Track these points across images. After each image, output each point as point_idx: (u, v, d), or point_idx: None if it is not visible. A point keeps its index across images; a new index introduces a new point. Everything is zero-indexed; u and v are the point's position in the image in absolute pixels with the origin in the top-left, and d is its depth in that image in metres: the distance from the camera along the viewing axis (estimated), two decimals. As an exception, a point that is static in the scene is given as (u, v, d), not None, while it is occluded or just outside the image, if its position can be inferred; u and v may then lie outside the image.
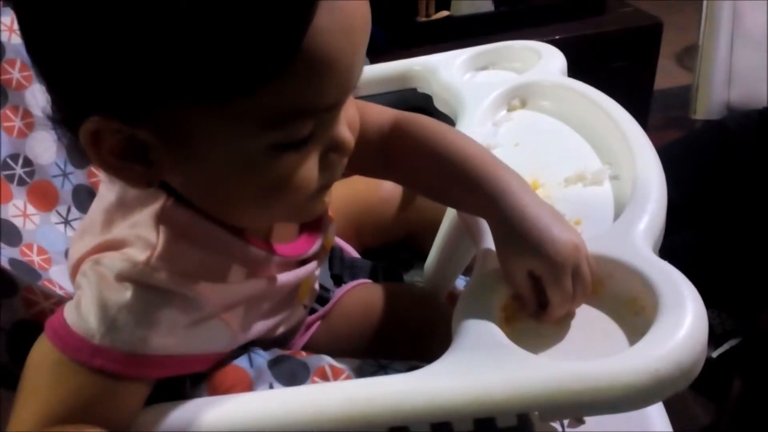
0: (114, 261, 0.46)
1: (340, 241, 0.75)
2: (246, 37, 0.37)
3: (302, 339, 0.65)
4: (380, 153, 0.59)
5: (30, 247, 0.66)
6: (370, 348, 0.64)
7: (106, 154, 0.42)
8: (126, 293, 0.45)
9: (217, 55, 0.37)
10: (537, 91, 0.76)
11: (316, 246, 0.59)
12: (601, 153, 0.67)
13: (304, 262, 0.58)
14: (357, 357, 0.58)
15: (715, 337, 1.17)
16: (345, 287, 0.70)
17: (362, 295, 0.69)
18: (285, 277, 0.55)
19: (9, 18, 0.70)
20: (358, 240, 0.78)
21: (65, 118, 0.44)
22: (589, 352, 0.48)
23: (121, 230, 0.48)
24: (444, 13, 1.64)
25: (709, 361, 1.17)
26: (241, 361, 0.51)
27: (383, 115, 0.60)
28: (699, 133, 1.30)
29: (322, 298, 0.66)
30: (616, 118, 0.68)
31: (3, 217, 0.65)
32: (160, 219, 0.47)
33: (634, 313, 0.50)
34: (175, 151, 0.43)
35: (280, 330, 0.58)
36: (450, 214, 0.68)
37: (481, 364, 0.46)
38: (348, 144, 0.47)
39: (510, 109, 0.76)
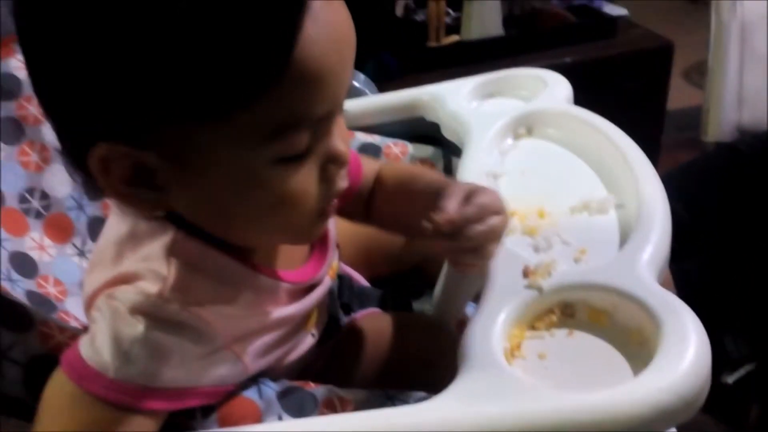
0: (127, 294, 0.47)
1: (349, 270, 0.75)
2: (237, 55, 0.39)
3: (313, 368, 0.66)
4: (365, 202, 0.64)
5: (46, 278, 0.67)
6: (379, 377, 0.65)
7: (116, 182, 0.44)
8: (139, 326, 0.46)
9: (211, 73, 0.39)
10: (543, 119, 0.77)
11: (323, 271, 0.60)
12: (606, 181, 0.68)
13: (311, 289, 0.59)
14: (366, 385, 0.59)
15: (731, 362, 1.16)
16: (354, 316, 0.70)
17: (371, 324, 0.70)
18: (294, 308, 0.56)
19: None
20: (368, 269, 0.79)
21: (73, 148, 0.45)
22: (594, 383, 0.48)
23: (132, 263, 0.49)
24: (454, 38, 1.65)
25: (725, 386, 1.16)
26: (251, 393, 0.52)
27: (372, 166, 0.65)
28: (711, 155, 1.30)
29: (332, 327, 0.67)
30: (620, 145, 0.68)
31: (20, 249, 0.67)
32: (171, 251, 0.49)
33: (639, 344, 0.51)
34: (181, 172, 0.44)
35: (289, 359, 0.59)
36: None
37: (486, 395, 0.47)
38: (343, 155, 0.48)
39: (516, 137, 0.77)
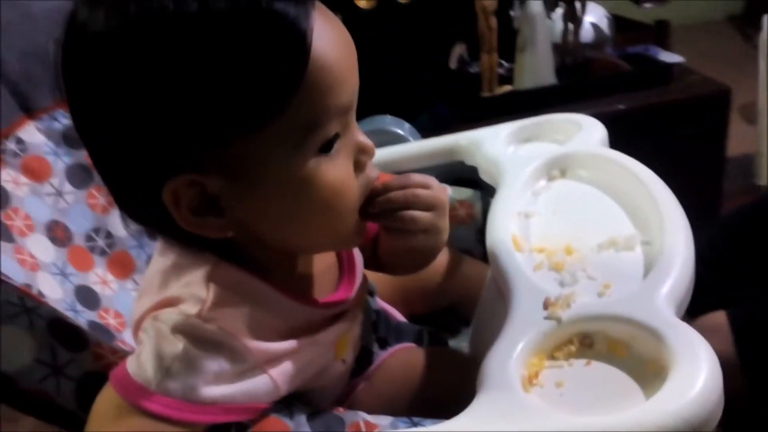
0: (170, 315, 0.52)
1: (385, 305, 0.79)
2: (262, 77, 0.46)
3: (347, 401, 0.69)
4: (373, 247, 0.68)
5: (107, 311, 0.74)
6: (410, 411, 0.67)
7: (186, 212, 0.50)
8: (179, 345, 0.51)
9: (243, 94, 0.46)
10: (576, 161, 0.79)
11: (352, 294, 0.63)
12: (634, 219, 0.69)
13: (340, 317, 0.62)
14: (394, 415, 0.62)
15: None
16: (389, 350, 0.73)
17: (405, 358, 0.72)
18: (324, 334, 0.60)
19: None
20: (405, 307, 0.82)
21: (140, 195, 0.51)
22: (607, 410, 0.49)
23: (176, 289, 0.54)
24: (507, 88, 1.69)
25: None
26: (282, 414, 0.56)
27: None
28: (764, 200, 1.27)
29: (366, 360, 0.70)
30: (650, 186, 0.70)
31: (85, 283, 0.73)
32: (210, 277, 0.53)
33: (655, 374, 0.52)
34: (241, 188, 0.50)
35: (318, 384, 0.62)
36: (489, 281, 0.71)
37: (499, 417, 0.49)
38: (369, 145, 0.55)
39: (550, 179, 0.80)
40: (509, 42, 1.69)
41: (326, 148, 0.50)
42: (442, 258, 0.83)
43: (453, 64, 1.78)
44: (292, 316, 0.57)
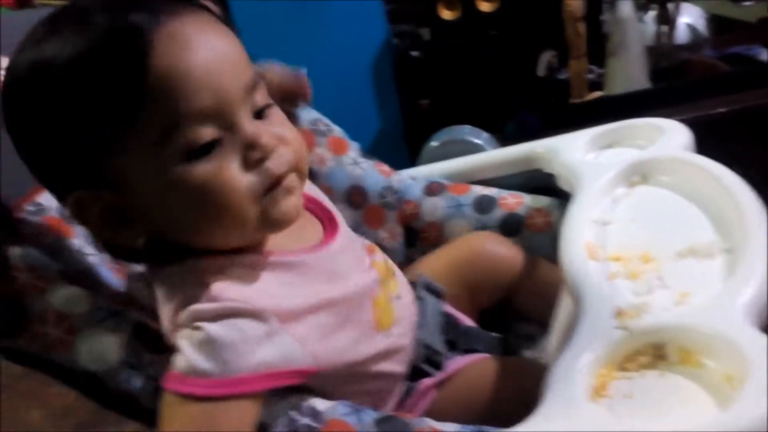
0: (185, 314, 0.56)
1: (454, 311, 0.79)
2: (106, 93, 0.52)
3: (419, 407, 0.70)
4: None
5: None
6: (483, 420, 0.67)
7: (96, 224, 0.57)
8: (202, 331, 0.54)
9: (93, 117, 0.53)
10: (657, 167, 0.76)
11: (336, 242, 0.67)
12: (717, 226, 0.67)
13: (354, 276, 0.66)
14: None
15: None
16: (466, 359, 0.73)
17: (482, 368, 0.72)
18: (331, 288, 0.63)
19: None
20: (471, 302, 0.82)
21: (58, 197, 0.58)
22: (678, 425, 0.48)
23: (178, 294, 0.58)
24: (597, 94, 1.65)
25: None
26: (350, 418, 0.57)
27: None
28: None
29: (434, 362, 0.70)
30: (734, 191, 0.67)
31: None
32: (194, 274, 0.57)
33: (731, 387, 0.49)
34: (131, 200, 0.56)
35: (362, 355, 0.64)
36: (565, 291, 0.70)
37: (562, 428, 0.48)
38: (255, 138, 0.56)
39: (630, 185, 0.77)
40: (600, 47, 1.66)
41: (202, 152, 0.54)
42: (516, 257, 0.83)
43: (541, 71, 1.75)
44: (288, 273, 0.61)
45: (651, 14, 1.61)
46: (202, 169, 0.55)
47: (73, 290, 0.61)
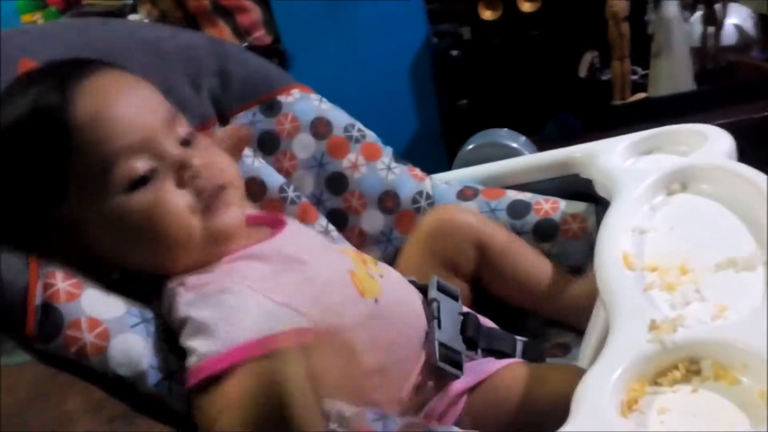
0: (178, 321, 0.61)
1: (471, 311, 0.79)
2: (36, 152, 0.61)
3: (452, 412, 0.69)
4: None
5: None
6: (514, 428, 0.66)
7: (68, 266, 0.62)
8: (192, 322, 0.59)
9: (34, 172, 0.62)
10: (698, 175, 0.75)
11: (284, 232, 0.71)
12: (758, 237, 0.65)
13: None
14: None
15: None
16: (498, 364, 0.72)
17: (517, 375, 0.71)
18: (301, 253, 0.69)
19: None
20: (453, 267, 0.84)
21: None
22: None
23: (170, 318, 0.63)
24: (641, 95, 1.62)
25: None
26: (377, 425, 0.57)
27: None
28: None
29: (453, 361, 0.70)
30: (776, 201, 0.65)
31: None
32: (170, 301, 0.63)
33: (766, 406, 0.48)
34: (88, 239, 0.63)
35: (346, 319, 0.66)
36: (598, 300, 0.69)
37: (590, 444, 0.47)
38: (185, 160, 0.63)
39: (669, 193, 0.76)
40: (644, 48, 1.63)
41: (139, 183, 0.61)
42: (546, 274, 0.83)
43: (583, 72, 1.73)
44: (248, 260, 0.66)
45: (697, 14, 1.58)
46: (143, 196, 0.61)
47: (105, 296, 0.62)
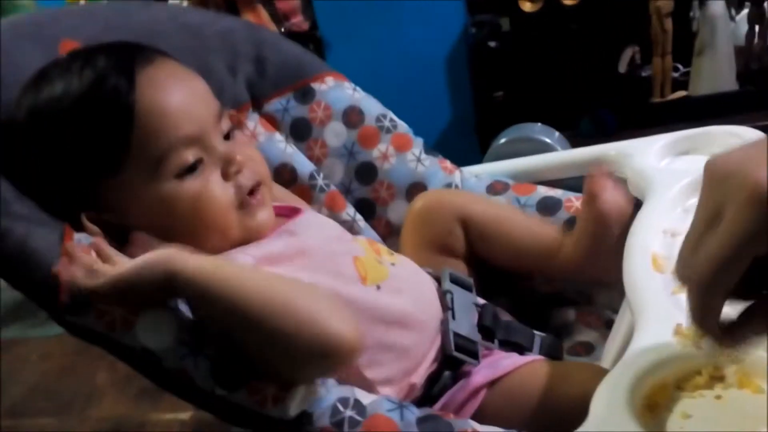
0: None
1: (490, 304, 0.80)
2: (101, 129, 0.64)
3: (470, 405, 0.69)
4: None
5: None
6: (532, 425, 0.66)
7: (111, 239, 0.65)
8: None
9: (95, 147, 0.65)
10: (733, 178, 0.73)
11: (298, 219, 0.74)
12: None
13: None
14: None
15: None
16: (520, 360, 0.72)
17: (539, 372, 0.70)
18: (304, 239, 0.71)
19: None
20: (447, 249, 0.84)
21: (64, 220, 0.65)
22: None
23: None
24: (681, 94, 1.59)
25: None
26: (394, 414, 0.57)
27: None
28: None
29: (469, 350, 0.71)
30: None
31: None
32: None
33: (790, 416, 0.47)
34: (129, 218, 0.66)
35: (345, 297, 0.66)
36: (624, 302, 0.68)
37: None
38: (230, 156, 0.68)
39: (704, 196, 0.74)
40: (686, 45, 1.60)
41: (188, 171, 0.66)
42: (541, 233, 0.84)
43: (623, 67, 1.70)
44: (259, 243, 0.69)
45: (743, 13, 1.54)
46: (192, 184, 0.66)
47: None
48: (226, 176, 0.68)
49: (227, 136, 0.70)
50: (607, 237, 0.76)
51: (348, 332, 0.56)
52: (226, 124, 0.70)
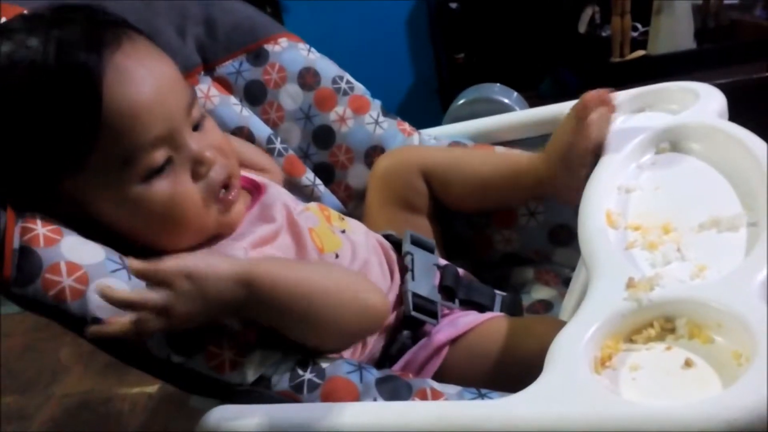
0: None
1: (452, 264, 0.80)
2: (62, 126, 0.58)
3: (432, 364, 0.70)
4: None
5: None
6: (491, 382, 0.66)
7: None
8: None
9: (56, 138, 0.59)
10: (687, 134, 0.74)
11: (260, 200, 0.73)
12: (744, 198, 0.64)
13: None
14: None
15: None
16: (481, 317, 0.73)
17: (499, 329, 0.71)
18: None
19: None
20: (414, 207, 0.85)
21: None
22: (678, 398, 0.47)
23: None
24: (640, 53, 1.60)
25: None
26: (353, 376, 0.58)
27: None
28: None
29: (428, 310, 0.71)
30: (764, 162, 0.64)
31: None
32: None
33: (738, 365, 0.48)
34: (91, 213, 0.62)
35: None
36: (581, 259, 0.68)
37: (562, 398, 0.48)
38: (200, 155, 0.64)
39: (658, 152, 0.75)
40: (645, 4, 1.60)
41: (156, 172, 0.61)
42: (501, 164, 0.85)
43: (582, 27, 1.70)
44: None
45: (701, -30, 1.54)
46: (160, 186, 0.62)
47: (85, 242, 0.62)
48: (197, 176, 0.64)
49: (197, 125, 0.66)
50: (582, 151, 0.75)
51: (381, 301, 0.64)
52: (197, 112, 0.66)
